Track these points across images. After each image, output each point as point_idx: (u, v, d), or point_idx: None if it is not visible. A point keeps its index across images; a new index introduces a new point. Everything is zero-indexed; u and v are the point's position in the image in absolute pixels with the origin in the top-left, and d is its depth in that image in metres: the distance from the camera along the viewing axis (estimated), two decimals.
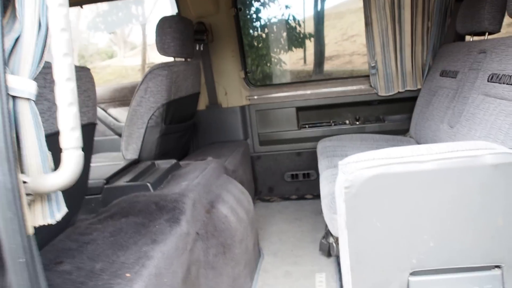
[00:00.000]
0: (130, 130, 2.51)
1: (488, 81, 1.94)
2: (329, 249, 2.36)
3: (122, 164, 2.31)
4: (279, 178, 3.50)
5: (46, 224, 0.93)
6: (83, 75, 1.49)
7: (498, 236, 1.37)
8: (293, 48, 6.84)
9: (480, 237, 1.37)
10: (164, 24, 2.55)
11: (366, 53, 3.05)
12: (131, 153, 2.55)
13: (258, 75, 5.78)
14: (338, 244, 1.64)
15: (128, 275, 1.25)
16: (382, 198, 1.36)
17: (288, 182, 3.49)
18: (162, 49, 2.55)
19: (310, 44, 7.13)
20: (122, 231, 1.52)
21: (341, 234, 1.47)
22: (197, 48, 3.16)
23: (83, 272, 1.27)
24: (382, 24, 2.87)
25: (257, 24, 5.73)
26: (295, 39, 6.55)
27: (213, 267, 1.86)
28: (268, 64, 6.19)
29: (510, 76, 1.76)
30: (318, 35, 6.80)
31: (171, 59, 2.68)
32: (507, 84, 1.77)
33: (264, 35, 6.08)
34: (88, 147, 1.65)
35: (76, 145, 0.89)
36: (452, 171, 1.32)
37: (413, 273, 1.43)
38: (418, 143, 2.69)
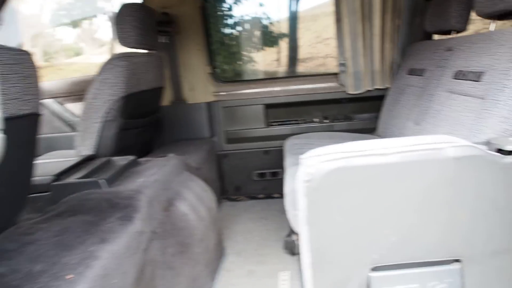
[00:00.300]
0: (86, 125, 2.36)
1: (453, 78, 1.94)
2: (293, 248, 2.32)
3: (76, 160, 2.17)
4: (246, 177, 3.43)
5: None
6: (22, 59, 1.36)
7: (459, 230, 1.35)
8: (267, 48, 6.80)
9: (442, 231, 1.35)
10: (124, 12, 2.41)
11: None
12: (87, 149, 2.39)
13: (229, 73, 5.70)
14: None
15: (70, 276, 1.15)
16: (343, 192, 1.32)
17: (255, 181, 3.43)
18: (122, 39, 2.41)
19: (284, 46, 7.12)
20: (68, 231, 1.41)
21: (302, 230, 1.42)
22: (162, 41, 3.04)
23: (19, 274, 1.17)
24: (352, 21, 2.85)
25: (230, 21, 5.66)
26: (269, 38, 6.51)
27: (170, 267, 1.78)
28: (240, 63, 6.12)
29: (475, 73, 1.76)
30: (292, 37, 6.78)
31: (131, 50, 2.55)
32: (471, 80, 1.77)
33: (236, 33, 6.01)
34: (31, 140, 1.53)
35: None
36: (415, 164, 1.28)
37: (374, 269, 1.40)
38: None
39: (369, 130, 3.06)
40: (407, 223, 1.35)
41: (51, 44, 14.55)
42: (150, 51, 2.75)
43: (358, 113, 3.26)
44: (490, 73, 1.66)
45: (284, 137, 3.11)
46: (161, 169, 2.08)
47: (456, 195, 1.31)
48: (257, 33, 6.56)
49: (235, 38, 5.89)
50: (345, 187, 1.31)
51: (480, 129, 1.59)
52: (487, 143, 1.35)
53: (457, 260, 1.39)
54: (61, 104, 3.53)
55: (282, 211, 2.99)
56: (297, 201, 1.66)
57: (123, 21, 2.40)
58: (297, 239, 2.19)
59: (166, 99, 3.27)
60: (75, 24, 11.23)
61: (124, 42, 2.42)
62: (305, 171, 1.32)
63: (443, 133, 1.87)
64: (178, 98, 3.30)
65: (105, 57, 2.65)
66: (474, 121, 1.65)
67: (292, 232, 2.30)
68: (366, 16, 2.85)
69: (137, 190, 1.72)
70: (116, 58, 2.30)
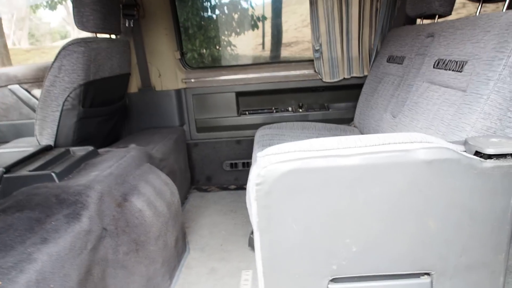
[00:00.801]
0: (44, 113, 2.23)
1: (434, 67, 1.78)
2: None
3: (31, 151, 2.04)
4: (218, 167, 3.28)
5: None
6: None
7: (428, 241, 1.20)
8: (250, 33, 6.55)
9: (409, 242, 1.21)
10: None
11: None
12: (46, 139, 2.28)
13: (207, 58, 5.45)
14: None
15: None
16: (298, 197, 1.15)
17: (227, 171, 3.28)
18: (80, 23, 2.23)
19: (268, 30, 6.89)
20: (11, 228, 1.33)
21: (255, 235, 1.26)
22: (127, 25, 2.83)
23: None
24: (328, 3, 2.65)
25: (207, 4, 5.39)
26: (249, 22, 6.27)
27: (123, 266, 1.69)
28: (218, 48, 5.87)
29: (457, 62, 1.59)
30: (276, 20, 6.56)
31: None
32: (452, 70, 1.60)
33: (215, 17, 5.74)
34: None
35: None
36: (379, 167, 1.12)
37: (333, 280, 1.27)
38: (362, 133, 2.52)
39: (346, 120, 2.91)
40: (370, 232, 1.19)
41: (37, 27, 14.19)
42: (113, 36, 2.57)
43: (334, 102, 3.10)
44: (473, 63, 1.48)
45: (256, 126, 3.00)
46: (119, 161, 1.97)
47: (427, 202, 1.15)
48: (236, 16, 6.30)
49: (211, 22, 5.62)
50: (300, 191, 1.15)
51: (459, 126, 1.43)
52: (465, 143, 1.18)
53: (427, 274, 1.25)
54: (28, 90, 3.37)
55: None
56: None
57: (82, 3, 2.22)
58: None
59: (134, 86, 3.10)
60: (53, 6, 10.80)
61: (82, 27, 2.25)
62: (255, 172, 1.15)
63: (420, 128, 1.71)
64: (146, 85, 3.11)
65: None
66: (454, 116, 1.48)
67: None
68: None
69: (87, 185, 1.62)
70: (73, 44, 2.15)
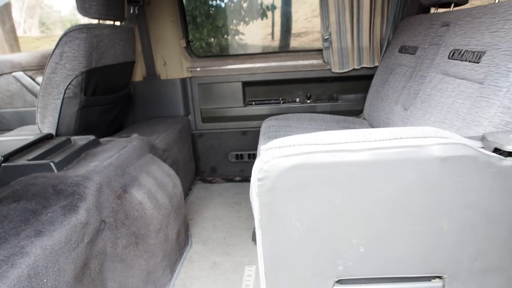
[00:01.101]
0: (45, 101, 2.19)
1: (448, 58, 1.68)
2: None
3: (31, 139, 2.00)
4: (223, 158, 3.22)
5: None
6: None
7: (441, 243, 1.13)
8: (259, 22, 6.44)
9: (420, 243, 1.14)
10: None
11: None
12: (48, 127, 2.23)
13: (215, 48, 5.36)
14: None
15: None
16: (303, 193, 1.09)
17: (232, 163, 3.22)
18: (83, 9, 2.18)
19: (277, 20, 6.78)
20: (6, 219, 1.29)
21: (257, 233, 1.19)
22: (131, 11, 2.75)
23: None
24: None
25: None
26: (259, 11, 6.15)
27: (122, 260, 1.66)
28: (226, 37, 5.77)
29: (474, 52, 1.50)
30: (286, 10, 6.44)
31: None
32: (469, 61, 1.51)
33: (224, 5, 5.63)
34: None
35: None
36: (390, 163, 1.04)
37: (339, 282, 1.21)
38: (371, 125, 2.44)
39: (355, 112, 2.82)
40: (379, 232, 1.12)
41: (48, 15, 14.20)
42: (117, 22, 2.51)
43: (343, 93, 3.01)
44: (492, 53, 1.39)
45: (262, 117, 2.93)
46: (120, 151, 1.91)
47: (440, 201, 1.08)
48: (245, 5, 6.19)
49: (219, 10, 5.52)
50: (305, 187, 1.08)
51: (476, 120, 1.34)
52: (483, 139, 1.10)
53: (438, 277, 1.17)
54: (32, 77, 3.36)
55: None
56: None
57: None
58: None
59: (138, 74, 3.04)
60: None
61: (85, 13, 2.20)
62: (258, 166, 1.08)
63: (433, 121, 1.63)
64: (151, 73, 3.05)
65: None
66: (470, 110, 1.40)
67: None
68: None
69: (85, 176, 1.57)
70: (75, 30, 2.11)
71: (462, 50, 1.60)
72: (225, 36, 5.63)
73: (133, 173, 1.87)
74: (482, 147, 1.08)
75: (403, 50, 2.25)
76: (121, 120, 2.95)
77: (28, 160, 1.73)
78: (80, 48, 2.10)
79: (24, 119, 3.23)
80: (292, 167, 1.06)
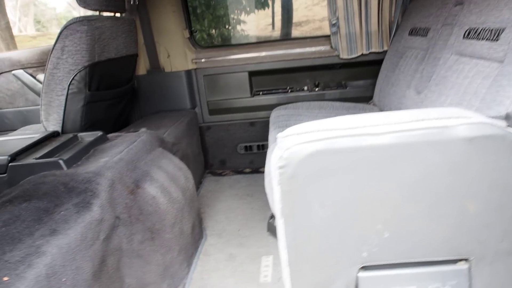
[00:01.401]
0: (49, 98, 2.15)
1: (464, 37, 1.64)
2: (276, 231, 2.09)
3: (37, 137, 1.97)
4: (232, 150, 3.19)
5: None
6: None
7: (467, 225, 1.11)
8: (260, 12, 6.38)
9: (446, 226, 1.11)
10: None
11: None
12: (53, 125, 2.20)
13: (216, 39, 5.31)
14: None
15: (5, 278, 1.01)
16: (325, 180, 1.06)
17: (241, 155, 3.19)
18: (82, 0, 2.13)
19: (278, 9, 6.71)
20: (19, 219, 1.28)
21: (278, 222, 1.18)
22: (132, 2, 2.71)
23: None
24: None
25: None
26: (259, 0, 6.09)
27: (139, 256, 1.64)
28: (228, 27, 5.71)
29: (491, 30, 1.46)
30: None
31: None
32: (486, 40, 1.47)
33: None
34: None
35: None
36: (415, 146, 1.02)
37: (363, 268, 1.18)
38: (382, 111, 2.40)
39: (364, 99, 2.79)
40: (404, 217, 1.10)
41: (42, 13, 14.10)
42: (118, 14, 2.47)
43: (352, 80, 2.97)
44: None
45: (270, 107, 2.89)
46: (129, 146, 1.90)
47: (466, 183, 1.05)
48: None
49: (219, 0, 5.46)
50: (327, 173, 1.06)
51: (497, 100, 1.31)
52: (507, 118, 1.07)
53: (464, 259, 1.15)
54: (32, 75, 3.29)
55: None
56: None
57: None
58: None
59: (142, 67, 3.00)
60: None
61: (84, 4, 2.15)
62: (278, 154, 1.06)
63: (449, 103, 1.59)
64: (155, 66, 3.00)
65: None
66: (490, 89, 1.36)
67: None
68: None
69: (96, 172, 1.55)
70: (75, 23, 2.05)
71: (478, 28, 1.56)
72: (226, 27, 5.58)
73: (145, 167, 1.85)
74: (508, 126, 1.05)
75: (413, 32, 2.21)
76: (126, 116, 2.92)
77: (36, 158, 1.71)
78: (81, 41, 2.06)
79: (27, 118, 3.18)
80: (314, 153, 1.03)
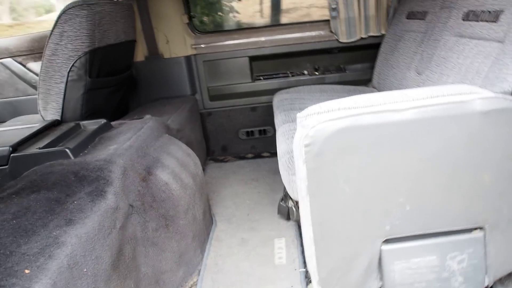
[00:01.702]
0: (47, 86, 2.07)
1: (463, 19, 1.71)
2: (288, 213, 2.14)
3: (37, 127, 1.91)
4: (233, 136, 3.22)
5: None
6: None
7: (483, 195, 1.18)
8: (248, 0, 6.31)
9: (463, 196, 1.18)
10: None
11: (323, 6, 2.71)
12: (52, 113, 2.12)
13: (208, 25, 5.29)
14: (298, 208, 1.41)
15: (26, 271, 0.97)
16: (350, 157, 1.12)
17: (243, 140, 3.22)
18: None
19: None
20: (29, 211, 1.22)
21: (302, 200, 1.23)
22: None
23: None
24: None
25: None
26: None
27: (154, 243, 1.61)
28: (219, 14, 5.69)
29: (490, 12, 1.52)
30: None
31: None
32: (486, 21, 1.54)
33: None
34: None
35: None
36: (434, 120, 1.08)
37: (386, 241, 1.24)
38: None
39: (363, 82, 2.84)
40: (425, 189, 1.16)
41: (18, 1, 13.67)
42: None
43: (351, 63, 3.02)
44: (511, 11, 1.42)
45: (271, 92, 2.88)
46: (137, 133, 1.86)
47: (483, 155, 1.12)
48: None
49: None
50: (351, 150, 1.12)
51: (500, 77, 1.38)
52: None
53: (479, 228, 1.23)
54: (22, 63, 3.16)
55: (273, 172, 2.84)
56: (293, 165, 1.47)
57: None
58: (294, 205, 2.00)
59: (140, 54, 2.96)
60: None
61: None
62: (303, 133, 1.11)
63: (451, 83, 1.66)
64: (153, 52, 2.97)
65: None
66: (492, 67, 1.43)
67: (286, 196, 2.12)
68: None
69: (108, 160, 1.52)
70: (75, 7, 1.97)
71: (477, 10, 1.62)
72: (219, 13, 5.56)
73: (154, 154, 1.83)
74: None
75: (411, 16, 2.27)
76: (125, 103, 2.88)
77: (39, 148, 1.65)
78: (82, 26, 1.99)
79: (17, 110, 3.05)
80: (339, 130, 1.09)
